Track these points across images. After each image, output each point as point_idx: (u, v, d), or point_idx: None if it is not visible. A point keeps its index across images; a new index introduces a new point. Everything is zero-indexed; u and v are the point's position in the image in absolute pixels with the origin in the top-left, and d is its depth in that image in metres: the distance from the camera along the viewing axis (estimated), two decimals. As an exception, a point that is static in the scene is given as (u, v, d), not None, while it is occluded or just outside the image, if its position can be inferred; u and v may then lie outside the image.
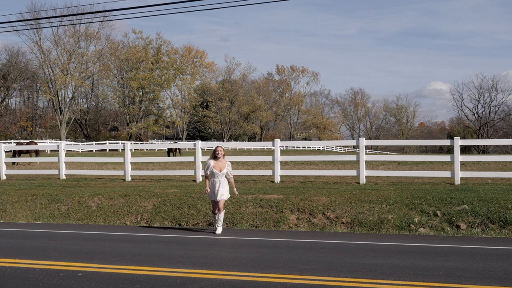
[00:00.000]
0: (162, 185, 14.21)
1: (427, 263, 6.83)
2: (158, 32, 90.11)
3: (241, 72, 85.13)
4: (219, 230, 9.79)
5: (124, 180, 15.85)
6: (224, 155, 9.84)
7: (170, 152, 33.24)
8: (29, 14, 57.93)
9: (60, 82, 62.28)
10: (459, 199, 10.61)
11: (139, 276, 6.27)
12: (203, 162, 15.69)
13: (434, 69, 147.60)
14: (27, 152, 24.60)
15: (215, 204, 9.73)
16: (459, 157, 12.91)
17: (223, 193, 9.63)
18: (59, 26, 59.37)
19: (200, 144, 15.24)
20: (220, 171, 9.61)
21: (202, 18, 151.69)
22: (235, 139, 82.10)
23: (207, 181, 9.74)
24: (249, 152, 40.79)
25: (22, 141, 41.02)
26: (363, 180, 13.43)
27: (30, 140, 44.74)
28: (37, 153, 24.94)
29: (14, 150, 23.68)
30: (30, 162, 23.85)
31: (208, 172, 9.70)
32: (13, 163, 23.00)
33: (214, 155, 9.70)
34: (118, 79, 71.61)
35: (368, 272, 6.35)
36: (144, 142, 63.84)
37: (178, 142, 51.33)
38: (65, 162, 16.85)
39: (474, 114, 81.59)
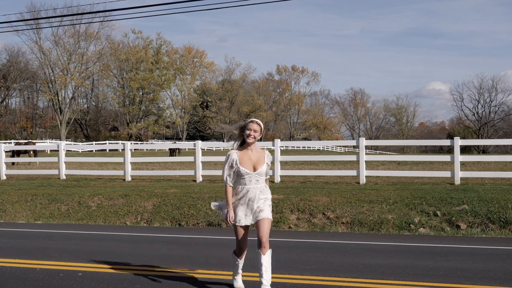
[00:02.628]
0: (162, 185, 14.21)
1: (427, 263, 6.83)
2: (158, 32, 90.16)
3: (241, 72, 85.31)
4: None
5: (124, 180, 15.85)
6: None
7: (171, 152, 33.55)
8: (29, 14, 58.04)
9: (60, 82, 62.31)
10: (459, 199, 10.61)
11: (139, 276, 6.27)
12: (203, 162, 15.71)
13: (435, 69, 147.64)
14: (25, 152, 24.62)
15: (245, 232, 5.32)
16: (459, 157, 12.91)
17: (265, 207, 5.24)
18: (59, 26, 59.45)
19: (200, 144, 15.26)
20: (255, 170, 5.21)
21: (203, 18, 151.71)
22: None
23: (228, 190, 5.25)
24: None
25: (21, 141, 41.03)
26: (363, 180, 13.43)
27: (29, 140, 44.74)
28: (35, 153, 24.92)
29: (12, 150, 23.70)
30: (30, 162, 23.87)
31: (230, 173, 5.25)
32: (13, 163, 22.99)
33: (243, 139, 5.29)
34: (118, 79, 71.65)
35: (368, 272, 6.35)
36: (144, 142, 63.82)
37: (177, 142, 51.37)
38: (65, 162, 16.85)
39: (474, 114, 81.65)
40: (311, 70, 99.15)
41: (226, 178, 5.27)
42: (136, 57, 69.06)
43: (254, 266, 6.72)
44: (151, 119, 73.31)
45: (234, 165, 5.22)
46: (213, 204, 5.59)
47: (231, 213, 5.21)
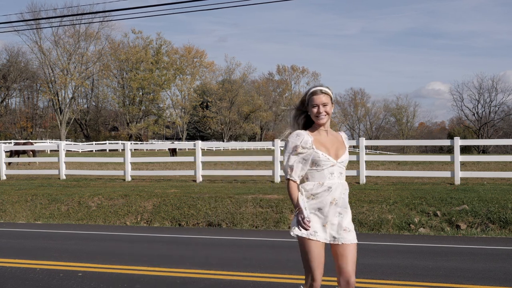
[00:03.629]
0: (162, 185, 14.21)
1: (427, 263, 6.83)
2: (158, 32, 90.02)
3: (241, 72, 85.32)
4: None
5: (124, 180, 15.85)
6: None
7: (172, 152, 33.59)
8: (29, 14, 57.99)
9: (60, 82, 62.32)
10: (459, 199, 10.61)
11: (139, 276, 6.27)
12: (203, 162, 15.69)
13: (435, 69, 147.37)
14: (24, 152, 24.58)
15: (321, 252, 3.37)
16: (459, 157, 12.92)
17: (351, 225, 3.47)
18: (59, 26, 59.47)
19: (200, 144, 15.27)
20: (338, 158, 3.44)
21: (203, 18, 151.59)
22: (235, 139, 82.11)
23: (293, 186, 3.39)
24: (249, 152, 40.76)
25: (20, 141, 41.02)
26: (363, 180, 13.44)
27: (27, 140, 44.73)
28: (34, 153, 24.88)
29: (11, 151, 23.68)
30: (30, 163, 23.86)
31: (297, 161, 3.38)
32: (9, 163, 22.96)
33: (313, 114, 3.41)
34: (118, 79, 71.68)
35: (368, 272, 6.35)
36: (144, 142, 63.81)
37: (175, 142, 51.38)
38: (65, 162, 16.85)
39: (474, 114, 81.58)
40: (311, 70, 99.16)
41: (291, 167, 3.38)
42: (136, 57, 69.07)
43: (254, 266, 6.73)
44: (151, 119, 73.32)
45: (306, 148, 3.36)
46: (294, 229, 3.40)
47: (305, 213, 3.31)
